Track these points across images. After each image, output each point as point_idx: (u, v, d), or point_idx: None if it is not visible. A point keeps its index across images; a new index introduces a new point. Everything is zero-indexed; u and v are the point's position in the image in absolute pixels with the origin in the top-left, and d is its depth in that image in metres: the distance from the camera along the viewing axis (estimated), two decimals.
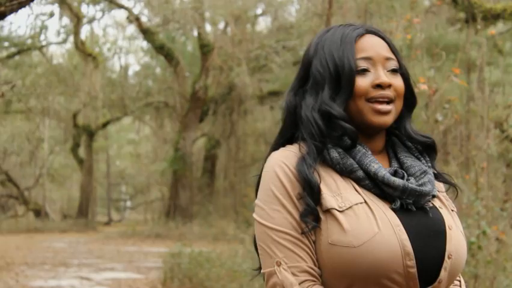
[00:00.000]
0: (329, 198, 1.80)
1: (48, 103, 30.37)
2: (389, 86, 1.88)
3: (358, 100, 1.87)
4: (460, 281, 2.01)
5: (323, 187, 1.81)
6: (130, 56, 52.72)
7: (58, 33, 29.39)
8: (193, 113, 27.61)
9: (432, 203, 1.90)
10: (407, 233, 1.77)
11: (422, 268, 1.77)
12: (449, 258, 1.82)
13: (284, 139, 1.98)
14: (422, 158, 1.99)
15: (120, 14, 48.09)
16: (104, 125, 34.42)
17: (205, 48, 26.70)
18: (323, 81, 1.90)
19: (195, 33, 27.86)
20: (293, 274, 1.77)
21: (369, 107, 1.87)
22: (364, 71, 1.88)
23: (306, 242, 1.79)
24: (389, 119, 1.89)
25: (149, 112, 33.42)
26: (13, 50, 27.00)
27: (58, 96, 31.17)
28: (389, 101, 1.88)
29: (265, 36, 27.09)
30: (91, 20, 30.55)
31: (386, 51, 1.92)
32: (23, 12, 36.37)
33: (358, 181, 1.85)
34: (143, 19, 27.99)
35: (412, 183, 1.85)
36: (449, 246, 1.83)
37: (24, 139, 33.47)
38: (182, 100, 28.60)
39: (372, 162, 1.84)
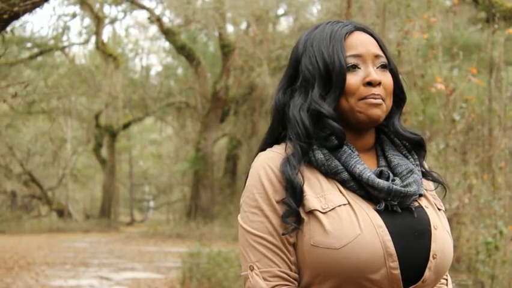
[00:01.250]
0: (312, 199, 1.78)
1: (71, 103, 30.58)
2: (379, 83, 1.85)
3: (350, 98, 1.84)
4: (446, 280, 1.99)
5: (306, 188, 1.79)
6: (151, 57, 53.00)
7: (80, 33, 29.61)
8: (214, 113, 27.69)
9: (418, 202, 1.88)
10: (390, 233, 1.75)
11: (406, 269, 1.75)
12: (433, 258, 1.79)
13: (272, 139, 1.95)
14: (410, 156, 1.96)
15: (142, 15, 48.52)
16: (127, 125, 34.53)
17: (226, 48, 26.76)
18: (313, 80, 1.87)
19: (216, 33, 27.90)
20: (264, 279, 1.77)
21: (362, 103, 1.83)
22: (354, 68, 1.85)
23: (282, 246, 1.78)
24: (381, 113, 1.85)
25: (170, 112, 33.48)
26: (36, 50, 27.20)
27: (80, 97, 31.36)
28: (380, 99, 1.85)
29: (286, 36, 27.01)
30: (113, 21, 30.72)
31: (375, 48, 1.90)
32: (46, 13, 36.70)
33: (343, 183, 1.82)
34: (165, 20, 28.13)
35: (397, 185, 1.82)
36: (434, 246, 1.80)
37: (48, 139, 33.65)
38: (204, 100, 28.66)
39: (357, 164, 1.82)
